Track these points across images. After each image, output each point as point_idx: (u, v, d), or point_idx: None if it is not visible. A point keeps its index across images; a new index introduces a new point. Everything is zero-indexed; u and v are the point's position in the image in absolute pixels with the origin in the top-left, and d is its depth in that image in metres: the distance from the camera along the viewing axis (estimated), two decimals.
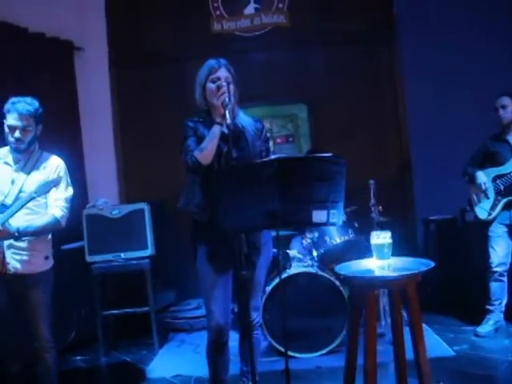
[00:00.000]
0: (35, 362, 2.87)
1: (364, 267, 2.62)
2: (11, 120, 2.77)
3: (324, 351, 3.74)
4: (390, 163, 5.21)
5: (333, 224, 2.38)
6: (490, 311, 3.99)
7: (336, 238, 3.95)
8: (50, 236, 2.95)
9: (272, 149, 4.89)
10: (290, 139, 5.24)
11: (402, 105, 5.19)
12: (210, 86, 2.71)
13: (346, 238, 3.94)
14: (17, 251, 2.80)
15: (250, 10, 5.18)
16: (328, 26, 5.17)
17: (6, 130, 2.81)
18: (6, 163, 2.89)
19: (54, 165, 2.93)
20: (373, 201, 4.01)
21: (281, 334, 3.72)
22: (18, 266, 2.80)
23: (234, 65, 5.09)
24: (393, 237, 2.53)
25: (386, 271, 2.54)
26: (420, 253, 5.00)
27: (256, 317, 2.87)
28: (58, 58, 4.75)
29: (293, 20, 5.18)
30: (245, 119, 2.82)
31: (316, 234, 3.99)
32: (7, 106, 2.81)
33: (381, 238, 2.55)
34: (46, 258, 2.91)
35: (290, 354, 3.72)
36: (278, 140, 5.24)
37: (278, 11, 5.16)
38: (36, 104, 2.84)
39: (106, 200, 4.31)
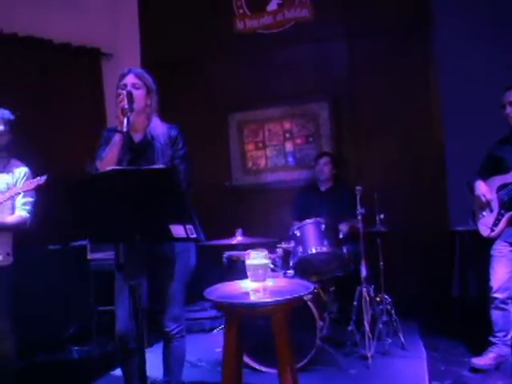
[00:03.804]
0: None
1: (238, 290, 2.40)
2: None
3: None
4: (420, 168, 4.64)
5: (195, 239, 2.23)
6: (492, 343, 3.38)
7: (311, 248, 3.64)
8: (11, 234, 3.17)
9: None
10: (311, 139, 4.93)
11: (436, 104, 4.59)
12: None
13: (319, 249, 3.62)
14: None
15: (273, 6, 5.00)
16: (354, 19, 4.77)
17: None
18: None
19: (23, 171, 3.21)
20: (359, 209, 3.67)
21: (248, 347, 3.57)
22: None
23: (254, 64, 5.00)
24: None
25: (258, 295, 2.30)
26: (443, 269, 4.43)
27: (174, 328, 2.80)
28: (84, 65, 5.00)
29: (317, 13, 4.88)
30: (158, 128, 2.77)
31: (292, 244, 3.73)
32: None
33: (255, 258, 2.32)
34: (8, 254, 3.14)
35: (257, 367, 3.56)
36: (298, 141, 4.96)
37: (301, 5, 4.90)
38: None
39: None
